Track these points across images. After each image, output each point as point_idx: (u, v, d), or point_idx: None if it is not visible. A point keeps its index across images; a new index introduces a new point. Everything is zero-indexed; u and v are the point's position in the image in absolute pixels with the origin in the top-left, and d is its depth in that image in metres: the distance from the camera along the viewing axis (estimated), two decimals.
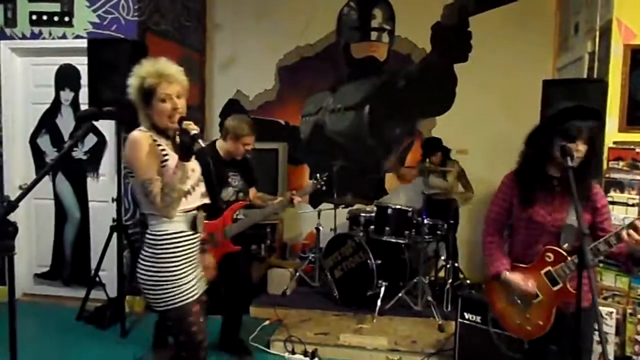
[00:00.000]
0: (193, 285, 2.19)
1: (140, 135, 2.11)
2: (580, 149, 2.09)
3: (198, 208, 2.23)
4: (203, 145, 2.01)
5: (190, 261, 2.21)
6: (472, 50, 5.40)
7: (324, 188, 3.77)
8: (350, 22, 5.67)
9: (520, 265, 2.31)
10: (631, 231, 1.96)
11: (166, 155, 2.11)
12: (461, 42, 5.40)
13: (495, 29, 5.28)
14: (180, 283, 2.15)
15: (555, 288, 2.19)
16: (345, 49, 5.69)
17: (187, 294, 2.16)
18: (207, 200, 2.30)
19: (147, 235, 2.17)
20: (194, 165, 2.23)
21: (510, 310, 2.34)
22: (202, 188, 2.27)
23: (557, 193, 2.20)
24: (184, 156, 2.04)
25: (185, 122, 2.04)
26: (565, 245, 2.17)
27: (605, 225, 2.23)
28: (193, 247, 2.22)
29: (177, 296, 2.14)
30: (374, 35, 5.64)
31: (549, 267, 2.20)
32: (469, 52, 5.40)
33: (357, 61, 5.67)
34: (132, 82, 2.12)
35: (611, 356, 3.11)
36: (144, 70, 2.10)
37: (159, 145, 2.12)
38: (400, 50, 5.58)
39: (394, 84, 5.57)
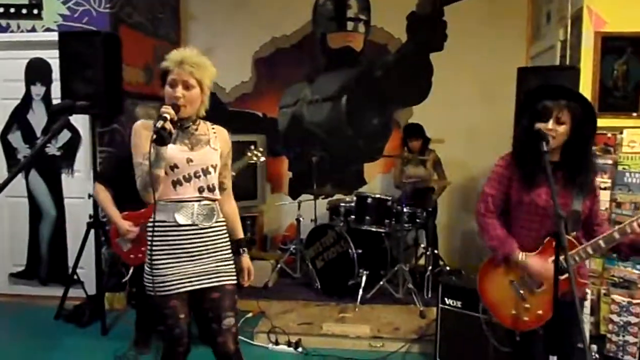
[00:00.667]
0: (172, 280, 2.12)
1: (138, 124, 2.16)
2: (551, 127, 2.05)
3: (195, 201, 2.15)
4: (169, 128, 1.95)
5: (172, 253, 2.13)
6: (448, 39, 5.45)
7: (259, 161, 3.88)
8: (326, 13, 5.66)
9: (527, 253, 2.18)
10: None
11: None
12: (436, 32, 5.44)
13: (469, 18, 5.34)
14: (156, 274, 2.12)
15: (563, 277, 2.02)
16: (322, 39, 5.68)
17: (161, 286, 2.12)
18: (212, 196, 2.19)
19: None
20: (193, 155, 2.15)
21: (507, 299, 2.20)
22: (204, 182, 2.16)
23: (558, 178, 2.10)
24: (156, 139, 1.95)
25: (164, 106, 2.02)
26: (573, 234, 2.10)
27: (598, 212, 2.23)
28: (177, 239, 2.14)
29: (154, 285, 2.12)
30: (350, 25, 5.64)
31: None
32: (444, 41, 5.45)
33: (334, 51, 5.67)
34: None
35: (587, 335, 3.20)
36: (171, 54, 2.12)
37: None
38: (377, 40, 5.59)
39: (371, 74, 5.59)
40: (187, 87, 2.08)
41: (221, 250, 2.23)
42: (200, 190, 2.16)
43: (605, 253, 2.28)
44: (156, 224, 2.14)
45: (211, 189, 2.19)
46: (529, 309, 2.16)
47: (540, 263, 2.13)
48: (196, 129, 2.20)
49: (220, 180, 2.26)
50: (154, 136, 1.93)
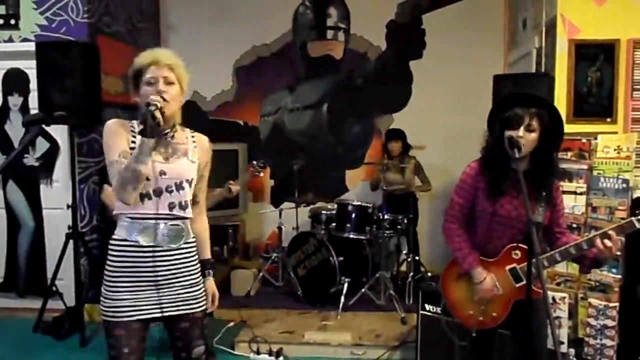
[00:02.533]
0: (122, 306, 1.89)
1: (111, 121, 1.95)
2: (521, 134, 2.08)
3: (164, 219, 1.92)
4: (159, 118, 1.78)
5: (130, 277, 1.90)
6: (426, 47, 5.51)
7: (261, 174, 3.78)
8: (306, 22, 5.69)
9: (485, 259, 2.28)
10: (606, 240, 2.01)
11: (134, 142, 1.91)
12: (415, 40, 5.51)
13: (448, 26, 5.41)
14: (107, 296, 1.91)
15: (518, 285, 2.20)
16: (302, 48, 5.71)
17: (109, 311, 1.90)
18: (184, 214, 1.97)
19: None
20: (167, 167, 1.93)
21: (466, 301, 2.34)
22: (175, 198, 1.94)
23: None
24: (143, 130, 1.79)
25: (152, 96, 1.84)
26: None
27: (561, 221, 2.28)
28: (138, 262, 1.90)
29: (103, 308, 1.93)
30: (330, 33, 5.69)
31: (515, 264, 2.21)
32: (423, 49, 5.52)
33: (314, 60, 5.70)
34: (131, 66, 1.95)
35: (565, 339, 3.23)
36: (141, 54, 1.94)
37: (132, 132, 1.94)
38: (356, 48, 5.64)
39: (351, 82, 5.63)
40: (168, 83, 1.89)
41: (190, 275, 2.00)
42: (171, 206, 1.93)
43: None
44: (117, 242, 1.92)
45: (183, 207, 1.96)
46: (484, 310, 2.29)
47: (490, 283, 2.24)
48: (173, 137, 1.97)
49: (193, 192, 2.02)
50: (140, 127, 1.80)
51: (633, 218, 2.06)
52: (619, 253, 3.16)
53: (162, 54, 1.92)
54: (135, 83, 1.94)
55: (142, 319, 1.93)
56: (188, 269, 2.01)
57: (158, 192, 1.91)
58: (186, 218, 1.99)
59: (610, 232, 2.03)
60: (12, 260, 4.55)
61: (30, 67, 4.10)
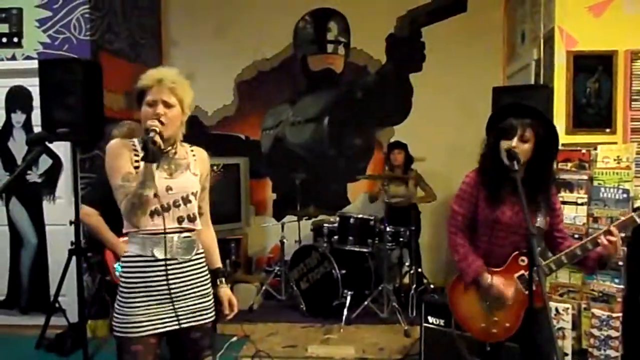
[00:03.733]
0: (141, 322, 1.91)
1: (114, 143, 1.99)
2: (515, 145, 2.11)
3: (174, 232, 1.97)
4: (159, 142, 1.82)
5: (148, 292, 1.93)
6: (426, 60, 5.55)
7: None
8: (306, 36, 5.74)
9: (493, 269, 2.28)
10: (609, 236, 2.05)
11: (137, 168, 1.93)
12: (415, 53, 5.55)
13: (447, 39, 5.45)
14: (123, 312, 1.92)
15: (527, 292, 2.17)
16: (303, 62, 5.75)
17: (126, 327, 1.91)
18: (193, 226, 2.02)
19: None
20: (173, 183, 1.97)
21: (476, 314, 2.31)
22: (184, 211, 1.99)
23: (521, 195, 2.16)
24: (143, 155, 1.83)
25: (149, 121, 1.88)
26: (538, 249, 2.14)
27: (561, 226, 2.31)
28: (155, 276, 1.94)
29: (118, 324, 1.93)
30: (330, 47, 5.73)
31: (523, 271, 2.22)
32: (422, 62, 5.55)
33: (315, 74, 5.74)
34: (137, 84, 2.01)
35: (569, 350, 3.22)
36: (147, 73, 1.97)
37: (135, 149, 1.97)
38: (357, 62, 5.68)
39: (352, 95, 5.67)
40: (167, 106, 1.92)
41: (201, 286, 2.05)
42: (180, 220, 1.98)
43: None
44: (131, 258, 1.96)
45: (192, 219, 2.01)
46: (497, 322, 2.26)
47: (502, 286, 2.22)
48: (175, 153, 2.02)
49: (197, 204, 2.07)
50: (142, 152, 1.82)
51: (634, 214, 2.11)
52: (621, 263, 3.17)
53: (165, 75, 1.94)
54: (138, 102, 1.98)
55: (159, 333, 1.95)
56: (200, 279, 2.06)
57: (166, 208, 1.96)
58: (195, 230, 2.04)
59: (612, 228, 2.07)
60: (15, 276, 4.55)
61: (33, 85, 4.13)
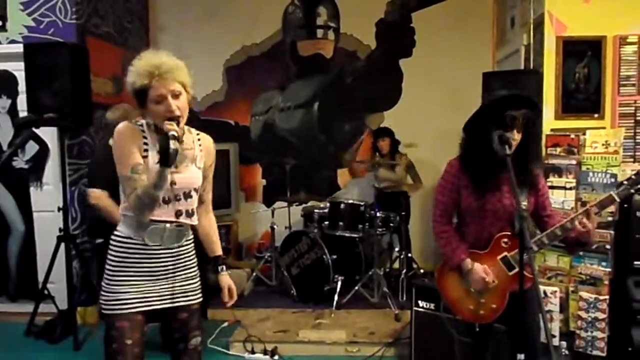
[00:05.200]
0: (126, 299, 1.92)
1: (122, 128, 1.92)
2: (516, 137, 2.16)
3: (168, 222, 1.97)
4: (177, 147, 1.78)
5: (133, 271, 1.95)
6: (416, 45, 5.53)
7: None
8: (295, 21, 5.69)
9: (476, 251, 2.32)
10: (584, 220, 2.10)
11: (146, 151, 1.91)
12: (405, 38, 5.53)
13: (437, 25, 5.43)
14: (111, 290, 1.93)
15: (511, 273, 2.25)
16: (292, 47, 5.71)
17: (113, 304, 1.93)
18: (189, 221, 2.02)
19: None
20: (178, 178, 1.95)
21: (463, 297, 2.36)
22: (183, 206, 1.98)
23: (504, 179, 2.24)
24: (160, 160, 1.79)
25: (166, 122, 1.83)
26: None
27: (547, 204, 2.35)
28: (142, 258, 1.95)
29: (105, 302, 1.95)
30: (319, 32, 5.69)
31: (505, 253, 2.27)
32: (412, 47, 5.53)
33: (304, 59, 5.70)
34: (129, 79, 1.88)
35: (557, 332, 3.27)
36: (138, 67, 1.85)
37: (143, 133, 1.93)
38: (346, 47, 5.65)
39: (342, 81, 5.64)
40: (175, 96, 1.86)
41: (189, 268, 2.07)
42: (178, 214, 1.98)
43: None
44: (121, 239, 1.97)
45: (190, 214, 2.02)
46: (484, 303, 2.31)
47: (482, 270, 2.27)
48: (182, 142, 1.95)
49: (199, 193, 2.07)
50: (159, 156, 1.78)
51: (612, 192, 2.14)
52: (608, 247, 3.21)
53: (162, 66, 1.85)
54: (140, 100, 1.90)
55: (145, 311, 1.96)
56: (188, 262, 2.07)
57: (167, 201, 1.96)
58: (190, 224, 2.05)
59: (590, 208, 2.11)
60: (3, 264, 4.51)
61: (18, 69, 4.06)
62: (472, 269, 2.28)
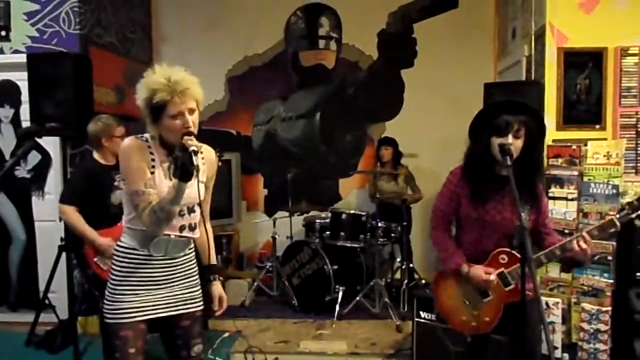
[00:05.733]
0: (128, 308, 1.96)
1: (130, 143, 1.94)
2: (510, 142, 2.13)
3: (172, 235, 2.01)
4: (200, 164, 1.79)
5: (136, 281, 1.98)
6: (418, 56, 5.55)
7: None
8: (297, 31, 5.72)
9: (474, 265, 2.31)
10: (581, 242, 2.08)
11: (154, 167, 1.93)
12: (406, 48, 5.54)
13: (438, 36, 5.45)
14: (114, 299, 1.97)
15: (508, 288, 2.24)
16: (294, 57, 5.73)
17: (116, 314, 1.96)
18: (192, 235, 2.06)
19: None
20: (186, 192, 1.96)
21: (457, 307, 2.37)
22: (186, 220, 2.02)
23: (506, 192, 2.23)
24: (180, 175, 1.80)
25: (186, 137, 1.84)
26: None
27: (547, 222, 2.34)
28: (145, 268, 1.99)
29: (108, 311, 1.98)
30: (321, 43, 5.71)
31: (503, 269, 2.25)
32: (414, 58, 5.55)
33: (306, 69, 5.72)
34: (141, 92, 1.87)
35: (559, 344, 3.25)
36: (155, 82, 1.85)
37: (149, 148, 1.95)
38: (348, 58, 5.67)
39: (344, 91, 5.65)
40: (192, 111, 1.89)
41: (190, 277, 2.11)
42: (181, 228, 2.02)
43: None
44: (125, 249, 2.00)
45: (192, 228, 2.06)
46: (477, 315, 2.31)
47: (481, 273, 2.25)
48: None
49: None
50: (178, 172, 1.79)
51: (614, 217, 2.12)
52: (610, 258, 3.20)
53: (184, 83, 1.86)
54: (155, 115, 1.89)
55: (148, 319, 2.00)
56: (190, 271, 2.12)
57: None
58: (193, 237, 2.10)
59: (585, 234, 2.10)
60: (4, 273, 4.51)
61: (21, 79, 4.08)
62: (471, 271, 2.27)
